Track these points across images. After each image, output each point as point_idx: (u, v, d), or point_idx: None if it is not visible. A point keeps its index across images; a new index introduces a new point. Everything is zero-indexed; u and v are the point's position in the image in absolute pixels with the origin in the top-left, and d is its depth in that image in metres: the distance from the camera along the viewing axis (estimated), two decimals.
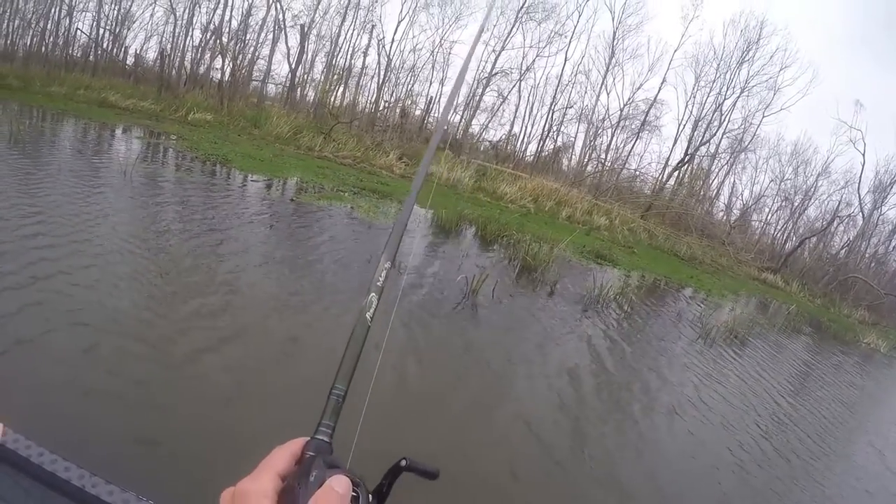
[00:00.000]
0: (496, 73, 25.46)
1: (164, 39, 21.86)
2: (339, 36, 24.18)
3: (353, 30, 24.46)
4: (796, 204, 26.43)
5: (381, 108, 24.64)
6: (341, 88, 24.79)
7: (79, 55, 20.66)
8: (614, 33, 24.83)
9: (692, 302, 10.20)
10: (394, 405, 3.04)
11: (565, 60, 25.35)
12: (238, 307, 3.88)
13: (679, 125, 25.36)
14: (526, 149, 27.80)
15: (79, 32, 20.74)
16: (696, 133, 24.89)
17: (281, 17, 21.60)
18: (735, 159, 26.49)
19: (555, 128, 26.82)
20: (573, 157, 27.89)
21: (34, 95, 12.68)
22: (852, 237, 25.42)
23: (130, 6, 21.54)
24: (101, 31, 20.90)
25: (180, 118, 14.40)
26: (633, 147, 26.52)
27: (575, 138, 27.56)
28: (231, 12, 21.25)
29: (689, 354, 6.21)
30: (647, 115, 25.67)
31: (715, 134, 24.96)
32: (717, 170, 26.92)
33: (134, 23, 22.06)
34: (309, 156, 13.86)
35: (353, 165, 14.08)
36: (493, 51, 24.92)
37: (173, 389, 2.68)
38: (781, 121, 27.51)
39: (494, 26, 24.32)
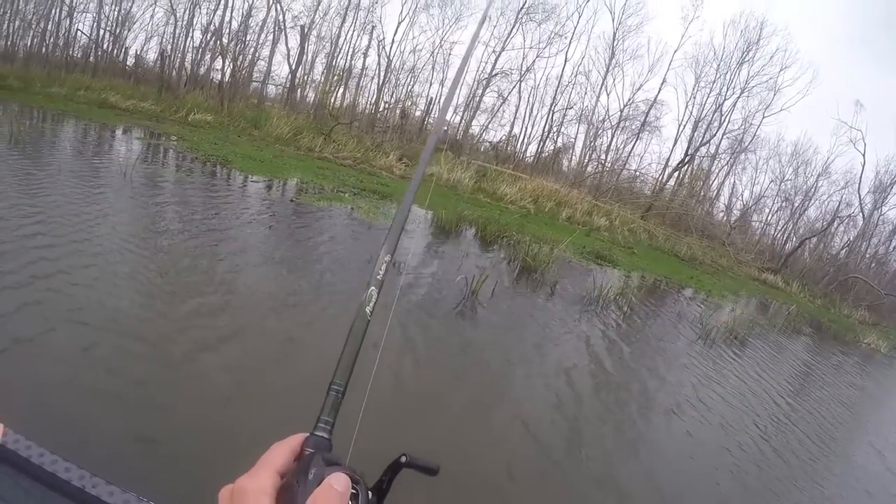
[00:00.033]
0: (496, 74, 25.51)
1: (164, 40, 21.95)
2: (339, 37, 24.24)
3: (353, 31, 24.53)
4: (796, 204, 26.48)
5: (381, 109, 24.67)
6: (341, 89, 24.83)
7: (79, 56, 20.70)
8: (614, 34, 24.90)
9: (692, 302, 10.20)
10: (392, 405, 3.04)
11: (565, 61, 25.43)
12: (237, 307, 3.89)
13: (679, 126, 25.42)
14: (526, 149, 27.86)
15: (79, 33, 20.81)
16: (696, 133, 24.93)
17: (281, 18, 21.67)
18: (735, 160, 26.55)
19: (555, 128, 26.88)
20: (573, 157, 27.95)
21: (34, 96, 12.69)
22: (852, 237, 25.44)
23: (131, 7, 21.60)
24: (102, 31, 20.95)
25: (180, 119, 14.40)
26: (633, 148, 26.59)
27: (575, 139, 27.63)
28: (231, 13, 21.31)
29: (689, 355, 6.21)
30: (647, 116, 25.71)
31: (715, 134, 25.00)
32: (717, 170, 26.99)
33: (134, 24, 22.13)
34: (309, 157, 13.87)
35: (353, 166, 14.09)
36: (494, 52, 24.99)
37: (172, 388, 2.69)
38: (781, 121, 27.76)
39: (495, 27, 24.39)
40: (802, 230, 25.79)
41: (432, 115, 23.78)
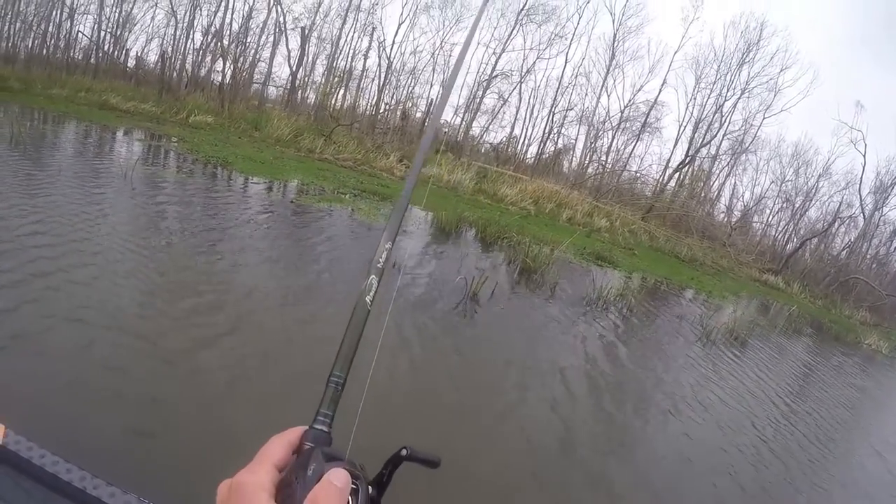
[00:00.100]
0: (496, 76, 25.54)
1: (165, 42, 21.99)
2: (339, 38, 24.26)
3: (354, 32, 24.54)
4: (797, 205, 26.44)
5: (381, 111, 24.68)
6: (342, 91, 24.85)
7: (80, 58, 20.76)
8: (614, 35, 24.90)
9: (693, 303, 10.19)
10: (390, 405, 3.04)
11: (566, 62, 25.43)
12: (235, 305, 3.89)
13: (680, 127, 25.41)
14: (526, 151, 27.85)
15: (80, 35, 20.86)
16: (696, 135, 24.92)
17: (282, 19, 21.71)
18: (736, 161, 26.51)
19: (555, 130, 26.87)
20: (574, 159, 27.95)
21: (35, 98, 12.72)
22: (853, 238, 25.40)
23: (131, 9, 21.65)
24: (103, 33, 21.01)
25: (181, 121, 14.43)
26: (633, 149, 26.57)
27: (575, 140, 27.63)
28: (232, 15, 21.37)
29: (689, 356, 6.20)
30: (647, 117, 25.70)
31: (715, 135, 24.98)
32: (717, 171, 26.95)
33: (135, 25, 22.19)
34: (309, 158, 13.88)
35: (353, 168, 14.10)
36: (494, 53, 25.02)
37: (171, 384, 2.70)
38: (782, 122, 27.71)
39: (495, 28, 24.43)
40: (803, 231, 25.76)
41: (432, 113, 23.79)
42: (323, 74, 24.96)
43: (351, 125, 19.91)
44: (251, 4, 21.32)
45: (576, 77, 25.86)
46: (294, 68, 21.85)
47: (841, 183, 25.21)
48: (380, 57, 24.61)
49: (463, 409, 3.40)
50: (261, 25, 22.16)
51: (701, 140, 24.87)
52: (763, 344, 8.25)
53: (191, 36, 21.83)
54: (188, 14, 21.60)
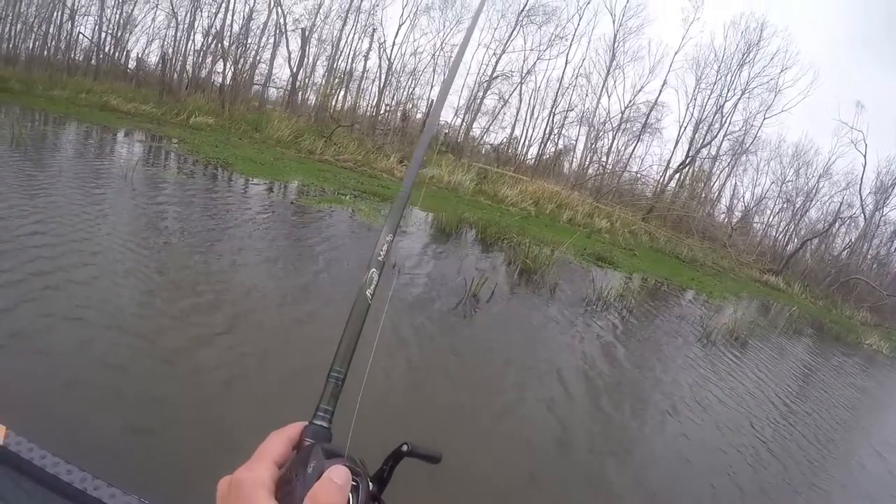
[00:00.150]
0: (497, 77, 25.56)
1: (165, 43, 22.01)
2: (340, 40, 24.27)
3: (355, 33, 24.55)
4: (798, 205, 26.44)
5: (382, 112, 24.70)
6: (342, 92, 24.88)
7: (81, 59, 20.79)
8: (615, 36, 24.91)
9: (693, 304, 10.19)
10: (388, 405, 3.05)
11: (566, 63, 25.44)
12: (235, 306, 3.89)
13: (680, 127, 25.41)
14: (527, 152, 27.85)
15: (81, 36, 20.89)
16: (697, 135, 24.91)
17: (282, 21, 21.73)
18: (736, 161, 26.51)
19: (556, 131, 26.88)
20: (574, 159, 27.96)
21: (36, 99, 12.74)
22: (854, 238, 25.40)
23: (132, 10, 21.69)
24: (103, 35, 21.05)
25: (182, 122, 14.44)
26: (634, 150, 26.59)
27: (576, 141, 27.64)
28: (232, 16, 21.41)
29: (688, 357, 6.19)
30: (647, 118, 25.71)
31: (716, 136, 24.98)
32: (718, 172, 26.95)
33: (136, 27, 22.22)
34: (310, 159, 13.89)
35: (354, 169, 14.10)
36: (494, 54, 25.04)
37: (171, 382, 2.71)
38: (782, 122, 27.68)
39: (495, 29, 24.45)
40: (804, 231, 25.74)
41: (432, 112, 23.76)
42: (323, 76, 25.00)
43: (351, 126, 19.92)
44: (252, 6, 21.38)
45: (576, 78, 25.92)
46: (294, 70, 21.90)
47: (841, 183, 25.26)
48: (380, 58, 24.66)
49: (462, 409, 3.40)
50: (261, 27, 22.20)
51: (701, 141, 24.88)
52: (763, 344, 8.24)
53: (191, 37, 21.89)
54: (189, 15, 21.66)
